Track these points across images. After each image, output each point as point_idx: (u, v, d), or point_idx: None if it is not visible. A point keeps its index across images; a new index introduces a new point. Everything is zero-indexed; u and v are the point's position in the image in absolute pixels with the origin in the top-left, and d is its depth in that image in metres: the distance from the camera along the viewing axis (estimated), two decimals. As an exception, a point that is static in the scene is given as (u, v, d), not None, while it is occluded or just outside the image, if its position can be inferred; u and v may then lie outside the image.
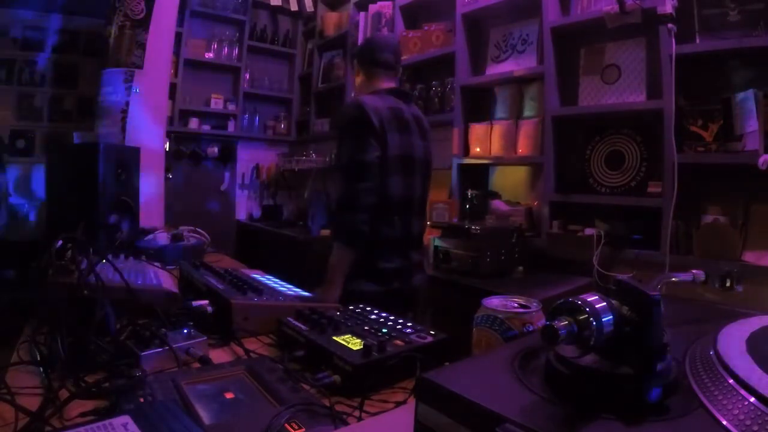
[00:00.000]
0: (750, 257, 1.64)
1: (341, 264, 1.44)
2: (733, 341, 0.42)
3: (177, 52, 3.60)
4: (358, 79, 1.69)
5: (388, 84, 1.64)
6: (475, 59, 2.65)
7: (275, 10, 4.19)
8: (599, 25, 1.97)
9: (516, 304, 0.70)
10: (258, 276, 1.22)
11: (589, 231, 1.96)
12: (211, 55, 3.95)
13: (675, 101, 1.74)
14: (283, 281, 1.18)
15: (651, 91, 1.94)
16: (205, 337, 0.79)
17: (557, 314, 0.37)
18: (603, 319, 0.37)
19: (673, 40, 1.72)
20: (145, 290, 0.94)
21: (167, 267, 1.28)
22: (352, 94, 1.78)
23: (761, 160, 1.48)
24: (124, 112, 2.60)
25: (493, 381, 0.42)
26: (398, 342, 0.74)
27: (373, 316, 0.87)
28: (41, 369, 0.68)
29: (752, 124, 1.58)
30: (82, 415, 0.54)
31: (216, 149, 4.03)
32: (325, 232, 3.24)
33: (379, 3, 3.24)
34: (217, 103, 3.97)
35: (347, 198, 1.42)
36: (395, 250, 1.54)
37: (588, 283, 1.91)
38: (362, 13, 3.40)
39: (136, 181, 1.76)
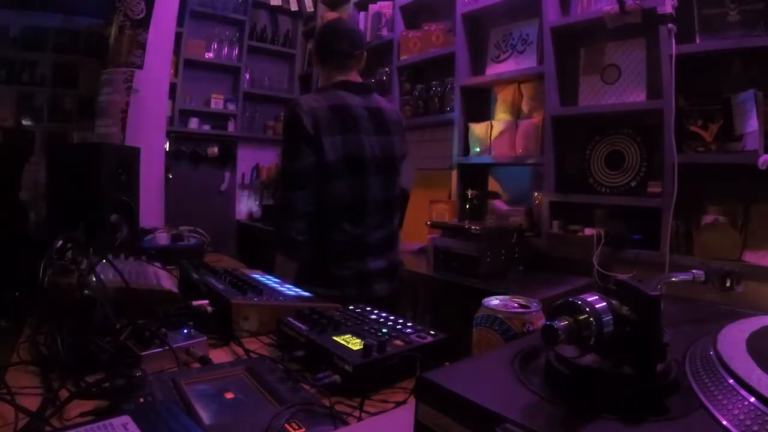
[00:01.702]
0: (750, 257, 1.64)
1: (285, 270, 1.38)
2: (733, 341, 0.42)
3: (177, 52, 3.59)
4: (319, 73, 1.59)
5: (341, 77, 1.51)
6: (475, 59, 2.65)
7: (275, 10, 4.19)
8: (599, 25, 1.97)
9: (516, 304, 0.70)
10: (258, 276, 1.22)
11: (589, 231, 1.96)
12: (211, 55, 3.95)
13: (675, 101, 1.74)
14: (283, 281, 1.18)
15: (651, 91, 1.94)
16: (205, 337, 0.79)
17: (557, 314, 0.37)
18: (603, 319, 0.37)
19: (673, 40, 1.72)
20: (145, 290, 0.94)
21: (167, 267, 1.28)
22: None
23: (761, 160, 1.48)
24: (124, 112, 2.60)
25: (493, 381, 0.42)
26: (398, 342, 0.74)
27: (373, 316, 0.87)
28: (41, 369, 0.68)
29: (752, 124, 1.58)
30: (82, 415, 0.54)
31: (216, 149, 4.02)
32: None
33: (379, 3, 3.25)
34: (217, 103, 3.97)
35: (282, 207, 1.39)
36: (348, 256, 1.45)
37: (588, 283, 1.91)
38: (362, 13, 3.40)
39: (136, 181, 1.76)
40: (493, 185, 2.63)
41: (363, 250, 1.47)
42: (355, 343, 0.72)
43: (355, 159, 1.44)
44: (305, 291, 1.35)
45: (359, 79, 1.56)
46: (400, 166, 1.59)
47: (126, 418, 0.46)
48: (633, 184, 1.98)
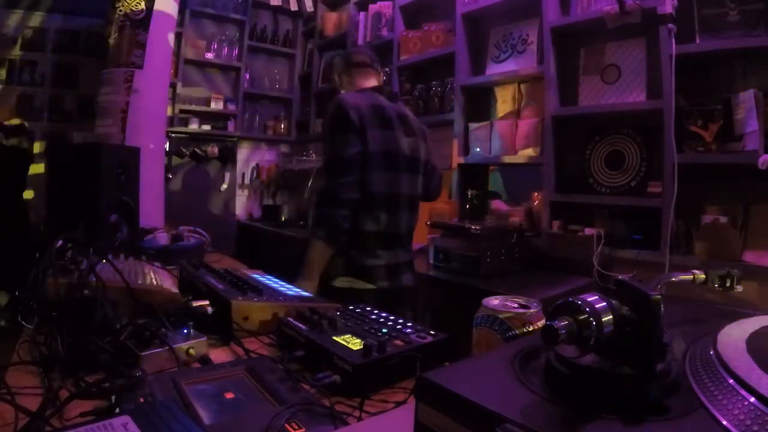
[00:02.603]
0: (750, 257, 1.64)
1: (320, 259, 1.44)
2: (733, 341, 0.42)
3: (177, 52, 3.60)
4: (342, 88, 1.74)
5: (370, 82, 1.67)
6: (475, 59, 2.65)
7: (275, 10, 4.20)
8: (599, 25, 1.97)
9: (516, 304, 0.70)
10: (258, 276, 1.22)
11: (589, 231, 1.96)
12: (211, 55, 3.95)
13: (675, 101, 1.74)
14: (283, 281, 1.18)
15: (651, 91, 1.94)
16: (205, 337, 0.79)
17: (557, 314, 0.37)
18: (603, 319, 0.37)
19: (673, 40, 1.72)
20: (145, 290, 0.94)
21: (167, 267, 1.28)
22: None
23: (761, 160, 1.48)
24: (124, 112, 2.60)
25: (493, 381, 0.42)
26: (398, 342, 0.74)
27: (373, 316, 0.88)
28: (41, 369, 0.68)
29: (752, 124, 1.58)
30: (82, 415, 0.54)
31: (216, 149, 4.03)
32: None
33: (379, 3, 3.25)
34: (217, 103, 3.97)
35: (328, 193, 1.44)
36: (380, 247, 1.54)
37: (588, 283, 1.91)
38: (362, 13, 3.40)
39: (136, 181, 1.76)
40: (493, 185, 2.63)
41: (394, 241, 1.58)
42: (355, 343, 0.72)
43: (391, 154, 1.55)
44: (338, 284, 1.42)
45: (387, 87, 1.72)
46: (422, 169, 1.71)
47: (126, 418, 0.46)
48: (633, 184, 1.98)
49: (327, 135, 1.53)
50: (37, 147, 3.82)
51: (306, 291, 1.37)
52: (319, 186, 1.45)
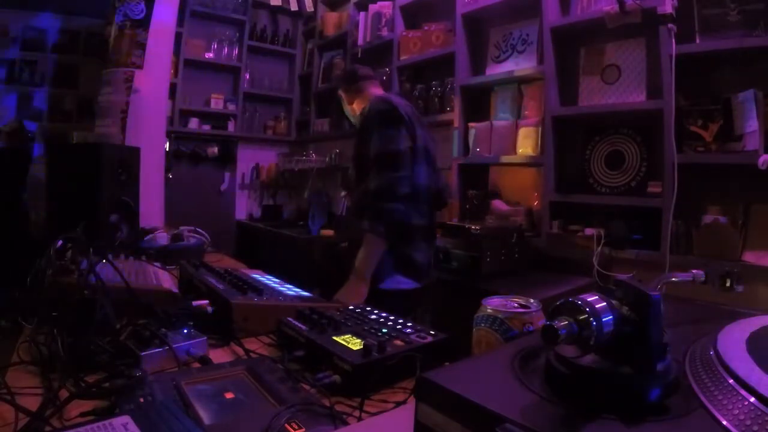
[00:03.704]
0: (750, 257, 1.64)
1: (374, 256, 1.43)
2: (733, 341, 0.42)
3: (177, 52, 3.60)
4: (354, 101, 1.80)
5: (379, 90, 1.79)
6: (475, 59, 2.65)
7: (275, 10, 4.20)
8: (599, 25, 1.97)
9: (516, 304, 0.70)
10: (258, 276, 1.22)
11: (589, 231, 1.96)
12: (211, 55, 3.95)
13: (675, 101, 1.74)
14: (283, 281, 1.18)
15: (651, 91, 1.94)
16: (205, 337, 0.79)
17: (557, 314, 0.37)
18: (603, 319, 0.37)
19: (673, 40, 1.72)
20: (145, 290, 0.94)
21: (167, 267, 1.28)
22: (352, 120, 1.90)
23: (761, 160, 1.48)
24: (124, 112, 2.60)
25: (493, 381, 0.42)
26: (398, 342, 0.74)
27: (373, 316, 0.88)
28: (41, 369, 0.68)
29: (752, 124, 1.58)
30: (82, 415, 0.54)
31: (216, 149, 4.03)
32: (327, 232, 3.24)
33: (379, 3, 3.24)
34: (217, 103, 3.97)
35: (385, 188, 1.42)
36: (425, 240, 1.58)
37: (588, 283, 1.91)
38: (362, 13, 3.40)
39: (136, 181, 1.76)
40: (493, 185, 2.62)
41: (432, 235, 1.64)
42: (355, 343, 0.72)
43: (429, 150, 1.62)
44: (385, 286, 1.43)
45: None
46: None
47: (126, 418, 0.46)
48: (633, 184, 1.98)
49: (376, 131, 1.50)
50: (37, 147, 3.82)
51: (360, 294, 1.37)
52: (373, 182, 1.43)
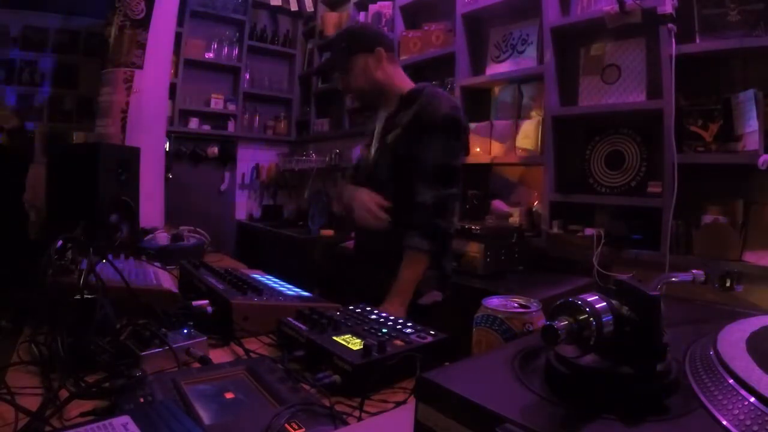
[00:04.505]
0: (750, 257, 1.64)
1: (420, 274, 1.32)
2: (733, 341, 0.42)
3: (177, 52, 3.59)
4: (373, 77, 1.44)
5: (400, 69, 1.51)
6: (475, 59, 2.65)
7: (275, 10, 4.20)
8: (599, 25, 1.97)
9: (516, 304, 0.70)
10: (258, 276, 1.22)
11: (589, 231, 1.96)
12: (211, 55, 3.95)
13: (675, 101, 1.74)
14: (283, 281, 1.18)
15: (651, 91, 1.94)
16: (205, 337, 0.79)
17: (557, 314, 0.37)
18: (603, 319, 0.37)
19: (673, 40, 1.72)
20: (145, 290, 0.94)
21: (167, 267, 1.28)
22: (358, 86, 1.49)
23: (761, 160, 1.48)
24: (124, 112, 2.60)
25: (493, 381, 0.42)
26: (398, 342, 0.74)
27: (373, 316, 0.87)
28: (41, 369, 0.68)
29: (752, 124, 1.58)
30: (82, 415, 0.54)
31: (216, 149, 4.03)
32: (327, 232, 3.24)
33: (379, 3, 3.24)
34: (217, 103, 3.97)
35: (441, 204, 1.33)
36: (451, 249, 1.49)
37: (588, 283, 1.91)
38: (362, 13, 3.40)
39: (136, 181, 1.76)
40: (493, 185, 2.62)
41: (451, 245, 1.51)
42: (355, 343, 0.72)
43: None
44: (424, 301, 1.36)
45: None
46: None
47: (126, 418, 0.46)
48: (633, 184, 1.98)
49: (440, 139, 1.34)
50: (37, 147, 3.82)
51: (401, 313, 1.24)
52: (428, 195, 1.31)
